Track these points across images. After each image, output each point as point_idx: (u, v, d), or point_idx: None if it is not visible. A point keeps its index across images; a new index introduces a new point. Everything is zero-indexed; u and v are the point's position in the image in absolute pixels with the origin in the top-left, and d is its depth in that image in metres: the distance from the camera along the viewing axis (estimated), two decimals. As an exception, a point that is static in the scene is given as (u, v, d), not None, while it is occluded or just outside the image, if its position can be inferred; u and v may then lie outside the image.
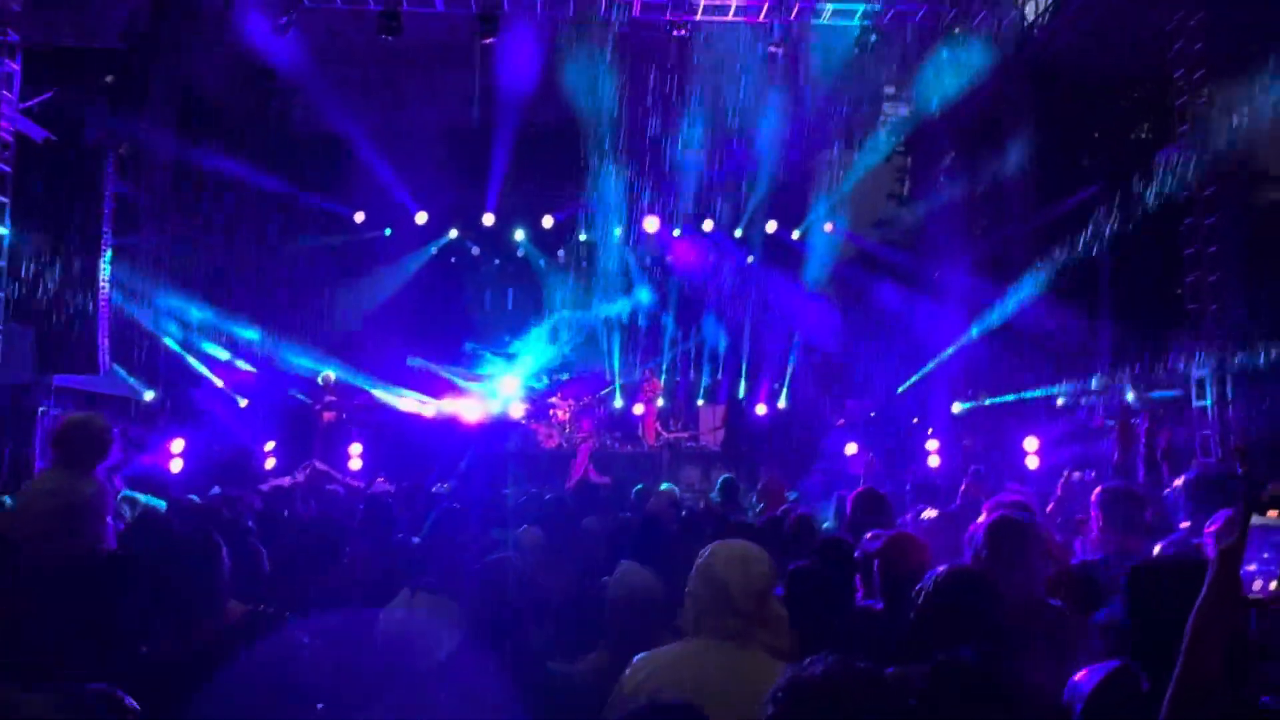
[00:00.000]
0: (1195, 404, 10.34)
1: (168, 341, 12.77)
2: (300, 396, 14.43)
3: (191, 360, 13.17)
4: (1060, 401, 12.57)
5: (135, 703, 1.43)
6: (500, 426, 15.31)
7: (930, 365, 14.77)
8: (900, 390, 15.30)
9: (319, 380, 14.51)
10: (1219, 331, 10.16)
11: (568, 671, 3.10)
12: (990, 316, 13.45)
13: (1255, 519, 1.74)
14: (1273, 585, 1.74)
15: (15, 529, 4.19)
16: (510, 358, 16.86)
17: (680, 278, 17.91)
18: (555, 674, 3.03)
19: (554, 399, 16.49)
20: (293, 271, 16.24)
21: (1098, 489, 4.40)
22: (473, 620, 3.06)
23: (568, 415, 16.12)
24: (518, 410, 15.88)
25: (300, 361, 14.69)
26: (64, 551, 4.01)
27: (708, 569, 2.69)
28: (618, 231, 17.12)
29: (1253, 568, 1.76)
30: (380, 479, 11.93)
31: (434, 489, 8.58)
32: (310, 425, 14.02)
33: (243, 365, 14.19)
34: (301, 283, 16.27)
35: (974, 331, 13.62)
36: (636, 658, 2.70)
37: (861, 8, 12.86)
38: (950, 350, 14.19)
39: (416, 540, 4.91)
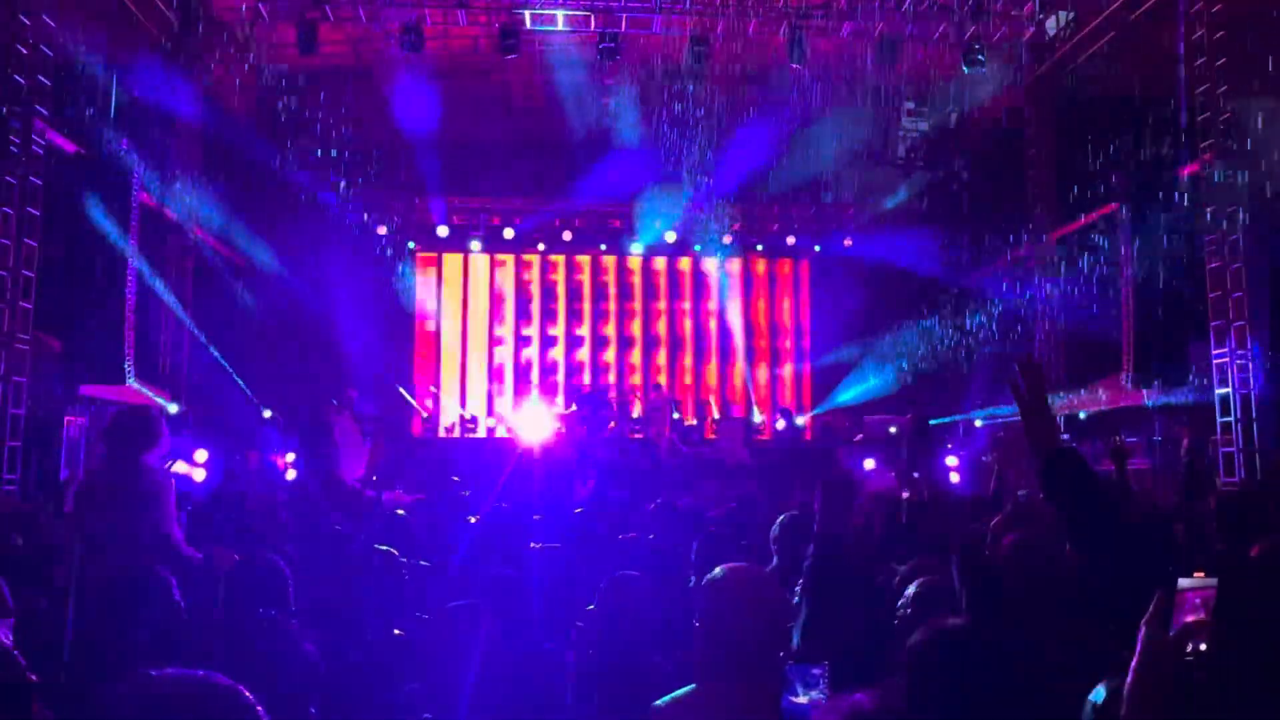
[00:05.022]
0: (1220, 420, 10.26)
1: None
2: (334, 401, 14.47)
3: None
4: (1083, 416, 12.48)
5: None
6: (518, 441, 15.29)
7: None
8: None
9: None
10: (1243, 347, 10.10)
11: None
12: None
13: (1184, 581, 1.75)
14: (1203, 646, 1.74)
15: (72, 520, 4.33)
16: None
17: (697, 289, 17.97)
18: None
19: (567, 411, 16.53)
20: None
21: None
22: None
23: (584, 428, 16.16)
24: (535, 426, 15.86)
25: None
26: (121, 538, 4.04)
27: (709, 605, 2.41)
28: (635, 246, 17.19)
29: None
30: (398, 491, 11.92)
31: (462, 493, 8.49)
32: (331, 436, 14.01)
33: None
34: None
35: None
36: (655, 704, 2.42)
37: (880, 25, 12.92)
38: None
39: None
